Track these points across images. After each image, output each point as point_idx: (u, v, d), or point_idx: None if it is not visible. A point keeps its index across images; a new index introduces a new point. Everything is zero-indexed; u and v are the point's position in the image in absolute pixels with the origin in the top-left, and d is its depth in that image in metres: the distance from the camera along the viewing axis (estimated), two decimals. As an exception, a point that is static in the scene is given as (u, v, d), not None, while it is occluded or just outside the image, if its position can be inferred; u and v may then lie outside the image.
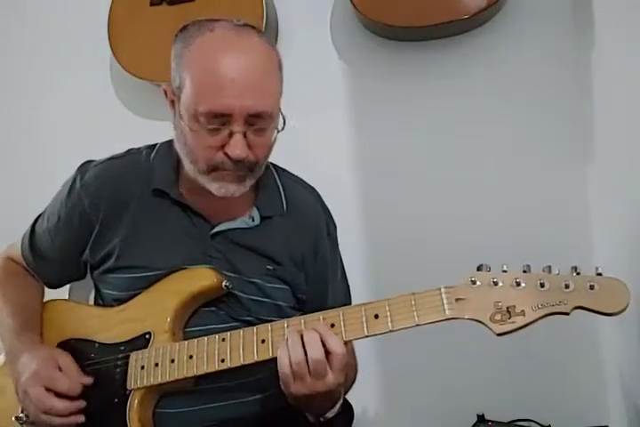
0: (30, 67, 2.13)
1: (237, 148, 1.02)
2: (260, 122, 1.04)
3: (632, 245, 1.49)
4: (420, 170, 1.85)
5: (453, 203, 1.82)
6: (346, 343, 0.99)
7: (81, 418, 1.08)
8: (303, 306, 1.22)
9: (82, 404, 1.08)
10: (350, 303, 1.31)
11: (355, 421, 1.26)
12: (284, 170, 1.27)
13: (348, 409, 1.27)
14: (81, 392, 1.09)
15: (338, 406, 1.06)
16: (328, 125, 1.89)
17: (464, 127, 1.81)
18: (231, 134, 1.03)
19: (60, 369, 1.09)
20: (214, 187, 1.07)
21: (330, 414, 1.06)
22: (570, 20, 1.75)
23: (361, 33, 1.85)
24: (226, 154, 1.04)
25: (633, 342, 1.51)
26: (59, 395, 1.07)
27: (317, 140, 1.88)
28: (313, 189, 1.29)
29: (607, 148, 1.65)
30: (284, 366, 0.96)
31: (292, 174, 1.28)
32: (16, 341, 1.14)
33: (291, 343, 0.96)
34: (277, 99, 1.08)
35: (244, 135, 1.03)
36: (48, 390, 1.06)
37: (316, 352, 0.94)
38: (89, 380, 1.10)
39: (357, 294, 1.34)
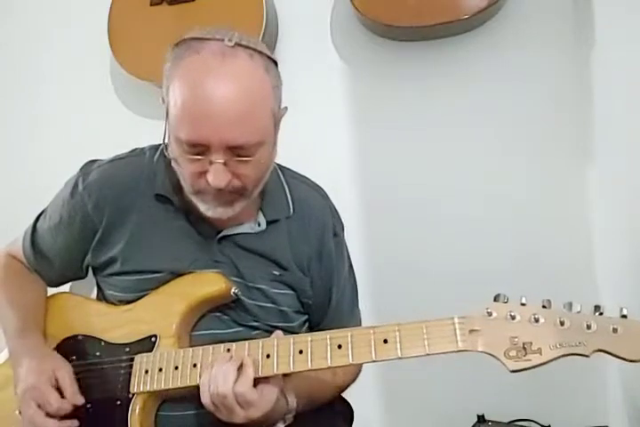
0: (30, 67, 2.13)
1: (216, 178, 0.99)
2: (244, 152, 1.00)
3: (632, 245, 1.49)
4: (420, 169, 1.85)
5: (453, 201, 1.82)
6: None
7: None
8: (309, 310, 1.21)
9: (74, 423, 1.07)
10: (357, 308, 1.30)
11: (355, 421, 1.26)
12: (289, 169, 1.25)
13: (348, 409, 1.28)
14: (82, 395, 1.08)
15: (288, 418, 1.06)
16: (328, 125, 1.89)
17: (464, 127, 1.81)
18: (212, 163, 1.00)
19: (56, 386, 1.07)
20: (202, 208, 1.06)
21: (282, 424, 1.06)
22: (570, 20, 1.74)
23: (361, 33, 1.85)
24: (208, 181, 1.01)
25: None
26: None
27: (317, 140, 1.88)
28: (320, 189, 1.27)
29: (607, 148, 1.65)
30: (204, 397, 0.98)
31: (298, 174, 1.26)
32: (18, 342, 1.14)
33: (212, 375, 0.98)
34: (265, 126, 1.02)
35: (226, 164, 1.00)
36: (39, 408, 1.05)
37: (222, 387, 0.96)
38: (81, 400, 1.08)
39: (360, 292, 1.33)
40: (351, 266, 1.30)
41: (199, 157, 0.99)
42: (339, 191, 1.70)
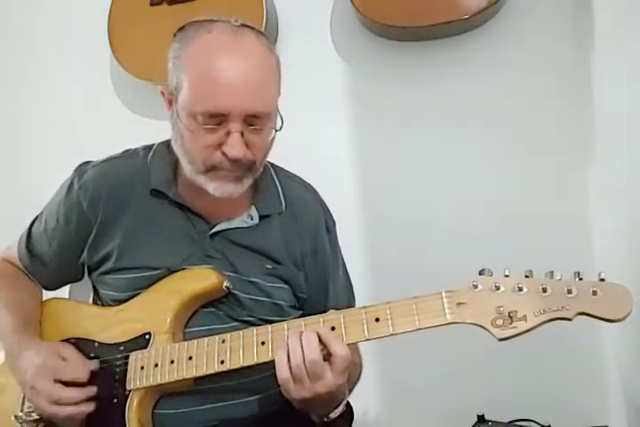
0: (30, 67, 2.13)
1: (235, 147, 1.03)
2: (258, 122, 1.04)
3: (632, 245, 1.49)
4: (420, 170, 1.85)
5: (453, 202, 1.82)
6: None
7: (91, 406, 1.07)
8: (303, 305, 1.21)
9: (92, 390, 1.08)
10: (354, 301, 1.31)
11: (355, 421, 1.26)
12: (281, 168, 1.27)
13: (347, 409, 1.27)
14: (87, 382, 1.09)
15: (342, 406, 1.06)
16: (328, 125, 1.89)
17: (464, 127, 1.81)
18: (228, 133, 1.03)
19: (64, 359, 1.09)
20: (212, 187, 1.07)
21: (334, 415, 1.05)
22: (569, 21, 1.74)
23: (361, 33, 1.85)
24: (223, 153, 1.04)
25: (633, 341, 1.51)
26: (67, 385, 1.06)
27: (317, 140, 1.88)
28: (311, 187, 1.29)
29: (607, 148, 1.65)
30: (282, 370, 0.95)
31: (290, 173, 1.28)
32: (16, 341, 1.14)
33: (291, 346, 0.96)
34: (275, 99, 1.08)
35: (242, 134, 1.03)
36: (55, 381, 1.06)
37: (312, 353, 0.94)
38: (95, 365, 1.10)
39: (357, 291, 1.33)
40: (344, 262, 1.31)
41: (216, 126, 1.03)
42: (338, 191, 1.71)
